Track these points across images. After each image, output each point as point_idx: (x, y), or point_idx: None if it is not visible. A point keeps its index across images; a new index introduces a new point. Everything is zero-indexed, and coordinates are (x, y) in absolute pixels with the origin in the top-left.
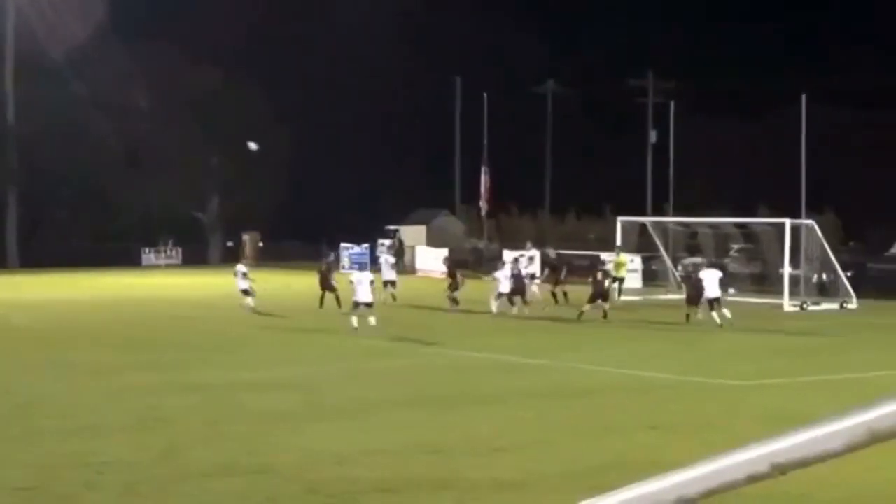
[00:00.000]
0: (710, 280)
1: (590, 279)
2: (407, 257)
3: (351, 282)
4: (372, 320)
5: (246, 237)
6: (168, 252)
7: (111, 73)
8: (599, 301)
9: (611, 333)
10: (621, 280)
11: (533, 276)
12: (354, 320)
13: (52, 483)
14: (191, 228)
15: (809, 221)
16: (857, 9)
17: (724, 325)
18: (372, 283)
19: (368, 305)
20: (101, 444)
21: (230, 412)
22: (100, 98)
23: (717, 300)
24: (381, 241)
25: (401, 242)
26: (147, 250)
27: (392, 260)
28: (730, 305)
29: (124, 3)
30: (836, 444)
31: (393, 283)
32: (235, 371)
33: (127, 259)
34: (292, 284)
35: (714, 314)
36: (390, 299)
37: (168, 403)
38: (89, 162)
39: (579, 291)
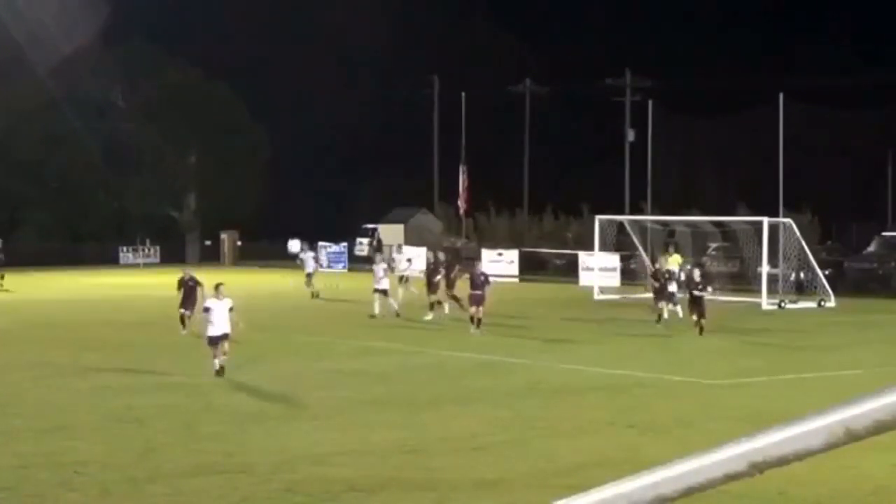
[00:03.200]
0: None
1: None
2: (385, 256)
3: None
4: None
5: (224, 236)
6: (146, 251)
7: (89, 73)
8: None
9: (589, 332)
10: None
11: (405, 279)
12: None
13: (28, 483)
14: (168, 227)
15: (787, 220)
16: (834, 7)
17: (668, 321)
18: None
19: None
20: (77, 443)
21: (207, 412)
22: (77, 97)
23: (672, 296)
24: (359, 239)
25: (379, 241)
26: (125, 249)
27: (384, 265)
28: (708, 304)
29: (102, 3)
30: (813, 443)
31: (384, 292)
32: (210, 370)
33: (105, 258)
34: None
35: (665, 308)
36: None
37: (145, 403)
38: (67, 161)
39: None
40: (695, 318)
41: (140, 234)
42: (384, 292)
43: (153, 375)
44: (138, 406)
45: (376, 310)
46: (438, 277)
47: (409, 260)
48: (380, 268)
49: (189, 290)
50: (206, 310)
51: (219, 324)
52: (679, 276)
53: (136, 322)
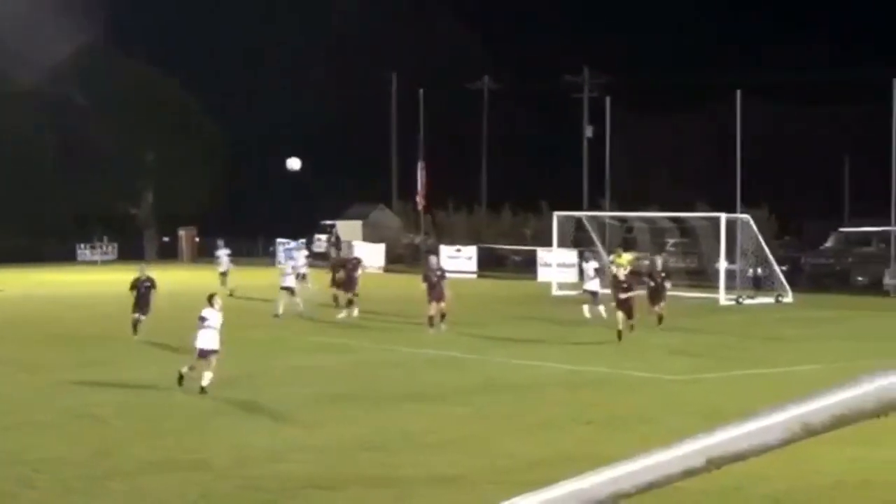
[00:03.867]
0: (590, 272)
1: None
2: (344, 252)
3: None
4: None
5: (182, 233)
6: (103, 248)
7: (45, 69)
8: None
9: (547, 328)
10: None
11: (303, 276)
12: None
13: None
14: (126, 224)
15: (745, 216)
16: (792, 4)
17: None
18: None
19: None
20: (36, 441)
21: (166, 409)
22: (34, 94)
23: (594, 294)
24: (317, 235)
25: (337, 237)
26: (82, 246)
27: (293, 263)
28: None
29: (57, 2)
30: (770, 438)
31: (291, 290)
32: (172, 367)
33: (62, 255)
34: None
35: (585, 307)
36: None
37: (104, 400)
38: (23, 158)
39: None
40: (656, 309)
41: (98, 232)
42: (290, 290)
43: (112, 372)
44: (97, 403)
45: (280, 309)
46: (358, 274)
47: (308, 256)
48: (288, 265)
49: (143, 293)
50: (202, 319)
51: (212, 337)
52: (610, 273)
53: (94, 319)
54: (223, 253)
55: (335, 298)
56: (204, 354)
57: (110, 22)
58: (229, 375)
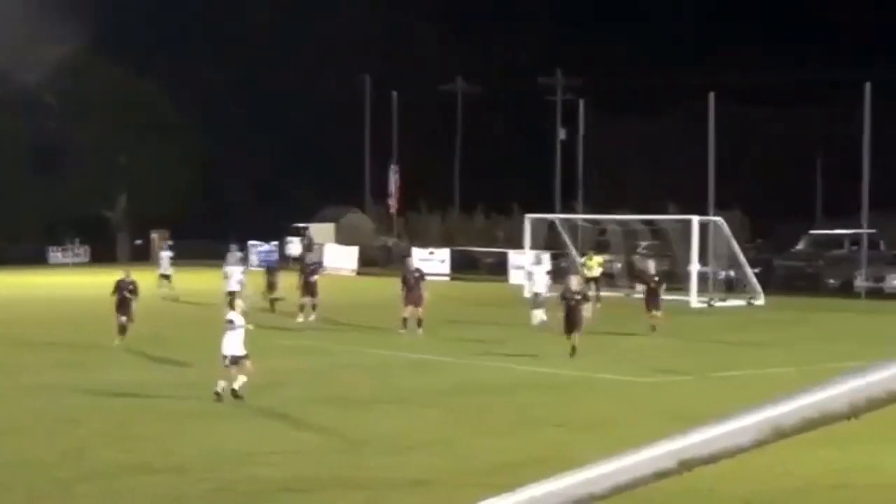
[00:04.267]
0: (539, 275)
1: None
2: (316, 255)
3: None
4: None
5: (155, 235)
6: (75, 250)
7: (18, 71)
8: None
9: (519, 331)
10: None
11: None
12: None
13: None
14: (99, 227)
15: (717, 218)
16: (764, 6)
17: (539, 326)
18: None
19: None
20: (7, 443)
21: (140, 411)
22: (7, 96)
23: (538, 296)
24: (290, 238)
25: (310, 240)
26: (54, 249)
27: (242, 268)
28: (639, 302)
29: (32, 1)
30: (742, 441)
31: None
32: (146, 370)
33: (35, 258)
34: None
35: (535, 313)
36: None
37: (76, 403)
38: None
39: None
40: (651, 314)
41: (70, 234)
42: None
43: (85, 375)
44: (70, 405)
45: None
46: (315, 278)
47: (244, 270)
48: (237, 270)
49: (126, 297)
50: (230, 322)
51: (240, 341)
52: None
53: (67, 321)
54: (166, 255)
55: (301, 306)
56: (235, 361)
57: (84, 24)
58: (202, 377)
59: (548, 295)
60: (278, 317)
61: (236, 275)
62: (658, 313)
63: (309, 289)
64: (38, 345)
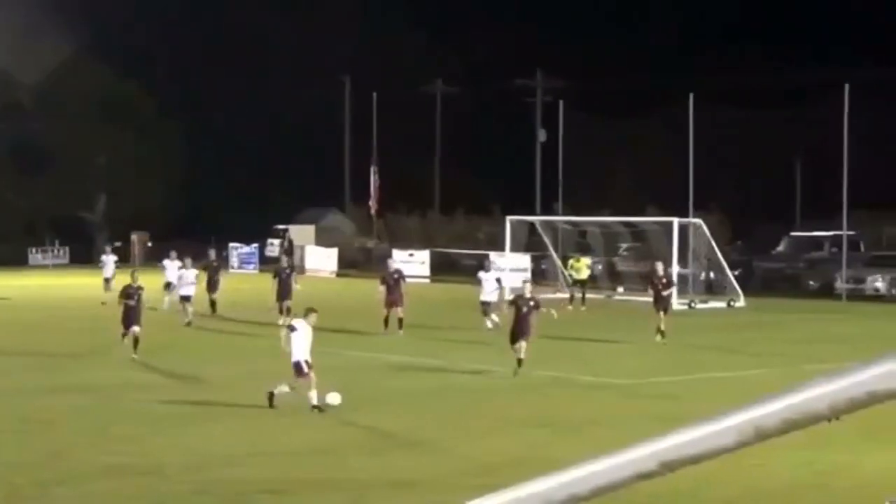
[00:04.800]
0: (488, 282)
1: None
2: (296, 257)
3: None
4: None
5: (134, 237)
6: (55, 252)
7: None
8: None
9: (500, 333)
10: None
11: (168, 284)
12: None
13: None
14: (78, 228)
15: (697, 220)
16: (743, 8)
17: (493, 329)
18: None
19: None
20: None
21: (119, 413)
22: None
23: (487, 304)
24: (270, 240)
25: (290, 242)
26: (34, 250)
27: (195, 272)
28: (620, 304)
29: (12, 3)
30: (723, 442)
31: (187, 298)
32: (125, 372)
33: (14, 259)
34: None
35: (486, 319)
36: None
37: (56, 405)
38: None
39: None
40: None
41: (49, 235)
42: (187, 299)
43: (64, 377)
44: (49, 407)
45: (188, 317)
46: (290, 280)
47: (180, 268)
48: (191, 273)
49: (135, 304)
50: (292, 329)
51: (304, 348)
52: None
53: (46, 323)
54: (110, 259)
55: (286, 310)
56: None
57: (64, 25)
58: (181, 379)
59: (496, 301)
60: (258, 317)
61: (109, 274)
62: (662, 317)
63: (284, 292)
64: (17, 346)
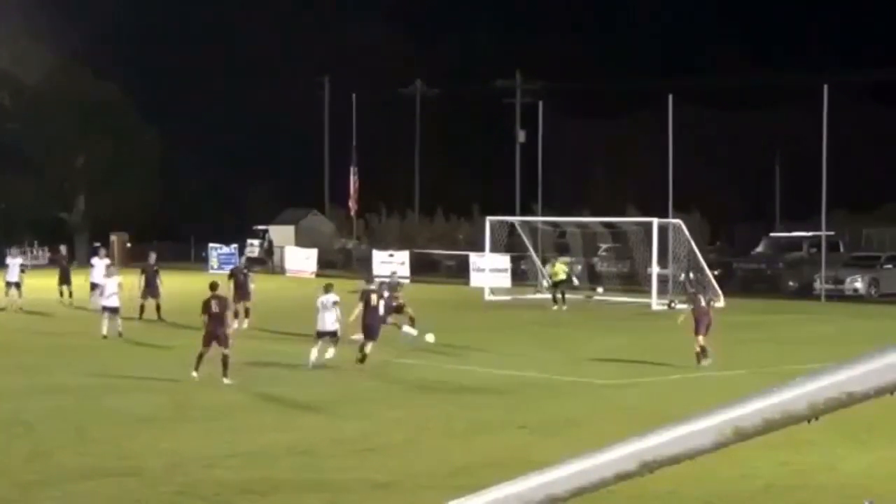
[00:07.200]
0: (327, 310)
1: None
2: (276, 257)
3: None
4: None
5: (114, 238)
6: (33, 253)
7: None
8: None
9: (480, 333)
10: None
11: (17, 284)
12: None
13: None
14: (57, 229)
15: (676, 221)
16: (724, 9)
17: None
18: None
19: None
20: None
21: (97, 415)
22: None
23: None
24: (250, 241)
25: (270, 242)
26: (12, 251)
27: (118, 279)
28: (599, 305)
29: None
30: (703, 442)
31: (115, 310)
32: (103, 374)
33: None
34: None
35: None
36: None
37: (33, 407)
38: None
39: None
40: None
41: (28, 237)
42: (114, 310)
43: (42, 378)
44: (27, 410)
45: (104, 329)
46: (248, 281)
47: (24, 265)
48: (114, 281)
49: (151, 276)
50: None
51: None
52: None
53: (24, 324)
54: (16, 263)
55: (244, 311)
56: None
57: (42, 25)
58: (160, 380)
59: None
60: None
61: (13, 277)
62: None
63: (242, 293)
64: None
